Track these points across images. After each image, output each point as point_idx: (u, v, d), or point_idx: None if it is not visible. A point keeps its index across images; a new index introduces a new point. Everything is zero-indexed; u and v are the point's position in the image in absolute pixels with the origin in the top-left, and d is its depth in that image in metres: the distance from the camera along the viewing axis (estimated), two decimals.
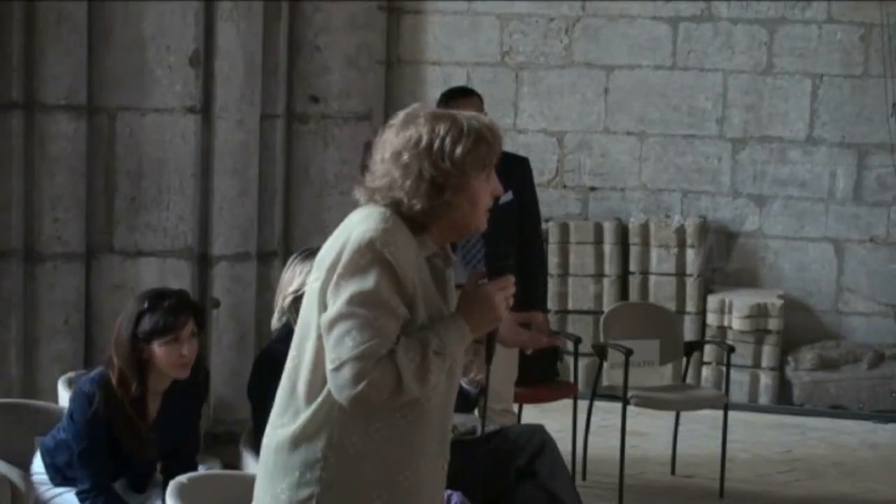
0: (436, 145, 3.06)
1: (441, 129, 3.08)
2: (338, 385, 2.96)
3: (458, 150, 3.06)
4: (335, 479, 3.04)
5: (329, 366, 2.97)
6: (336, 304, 2.97)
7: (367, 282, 2.96)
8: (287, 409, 3.10)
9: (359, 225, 3.04)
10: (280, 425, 3.10)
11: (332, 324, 2.97)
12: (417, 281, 3.03)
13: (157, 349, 4.58)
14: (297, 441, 3.05)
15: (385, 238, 2.99)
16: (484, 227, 3.17)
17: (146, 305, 4.62)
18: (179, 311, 4.64)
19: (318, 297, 3.04)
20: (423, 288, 3.06)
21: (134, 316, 4.61)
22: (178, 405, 4.74)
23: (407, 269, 2.99)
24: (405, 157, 3.06)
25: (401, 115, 3.16)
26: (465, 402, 5.47)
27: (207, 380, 4.92)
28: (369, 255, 2.97)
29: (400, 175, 3.06)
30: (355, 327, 2.94)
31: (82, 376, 4.93)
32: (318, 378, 3.04)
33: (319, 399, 3.03)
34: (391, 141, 3.11)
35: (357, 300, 2.96)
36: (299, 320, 3.15)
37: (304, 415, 3.05)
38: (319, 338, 3.03)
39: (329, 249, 3.07)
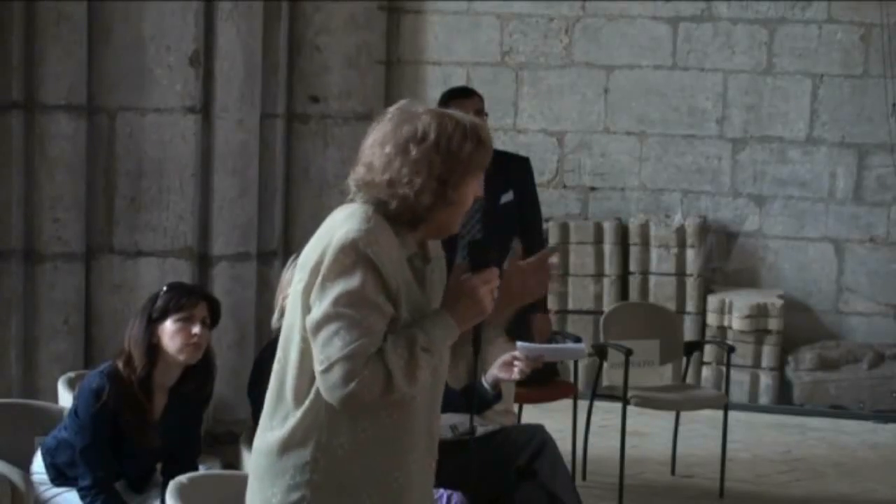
0: (443, 142, 3.03)
1: (448, 126, 3.05)
2: (328, 386, 2.95)
3: (466, 149, 3.04)
4: (325, 481, 3.03)
5: (318, 367, 2.96)
6: (322, 306, 2.96)
7: (353, 282, 2.94)
8: (276, 412, 3.09)
9: (342, 225, 3.03)
10: (270, 428, 3.09)
11: (320, 325, 2.96)
12: (400, 280, 3.01)
13: (170, 327, 4.63)
14: (287, 445, 3.04)
15: (368, 238, 2.97)
16: (457, 229, 3.16)
17: (163, 290, 4.76)
18: (194, 292, 4.81)
19: (302, 300, 3.02)
20: (406, 287, 3.04)
21: (150, 300, 4.74)
22: (182, 407, 4.75)
23: (390, 269, 2.98)
24: (414, 152, 3.02)
25: (394, 109, 3.11)
26: (481, 404, 5.47)
27: (214, 373, 4.91)
28: (353, 256, 2.95)
29: (409, 171, 3.02)
30: (343, 327, 2.93)
31: (83, 375, 4.94)
32: (304, 381, 3.03)
33: (307, 402, 3.02)
34: (391, 134, 3.06)
35: (343, 300, 2.94)
36: (284, 323, 3.13)
37: (293, 419, 3.04)
38: (304, 340, 3.02)
39: (312, 251, 3.06)
